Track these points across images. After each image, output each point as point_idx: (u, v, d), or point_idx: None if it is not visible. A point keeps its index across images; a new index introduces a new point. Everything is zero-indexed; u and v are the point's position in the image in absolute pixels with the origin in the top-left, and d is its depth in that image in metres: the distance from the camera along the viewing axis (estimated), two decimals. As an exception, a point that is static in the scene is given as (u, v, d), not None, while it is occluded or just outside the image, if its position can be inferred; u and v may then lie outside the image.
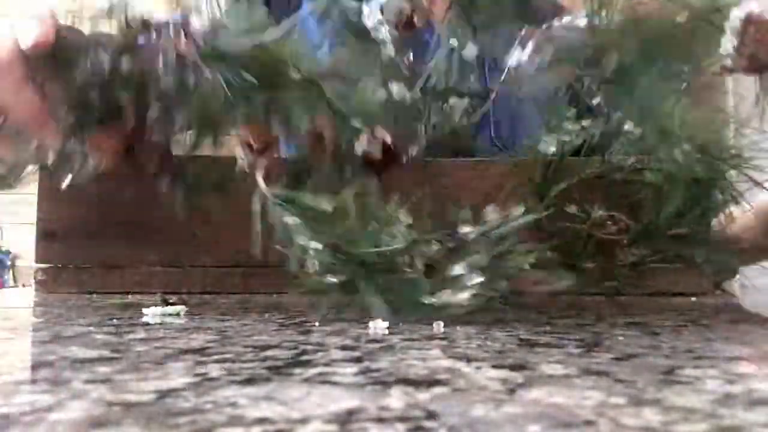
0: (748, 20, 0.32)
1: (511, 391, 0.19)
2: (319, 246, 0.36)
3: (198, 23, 0.37)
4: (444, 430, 0.16)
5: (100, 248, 0.59)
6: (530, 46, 0.40)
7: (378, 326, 0.33)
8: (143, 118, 0.41)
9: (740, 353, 0.27)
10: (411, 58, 0.42)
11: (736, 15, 0.33)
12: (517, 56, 0.41)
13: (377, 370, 0.22)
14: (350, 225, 0.37)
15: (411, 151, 0.41)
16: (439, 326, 0.33)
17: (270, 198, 0.39)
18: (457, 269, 0.35)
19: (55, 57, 0.40)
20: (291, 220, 0.37)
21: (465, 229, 0.36)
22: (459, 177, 0.60)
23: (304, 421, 0.16)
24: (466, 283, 0.34)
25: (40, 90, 0.40)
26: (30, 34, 0.39)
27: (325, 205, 0.37)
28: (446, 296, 0.34)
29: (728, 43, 0.33)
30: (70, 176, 0.45)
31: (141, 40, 0.39)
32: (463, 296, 0.34)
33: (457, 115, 0.47)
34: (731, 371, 0.23)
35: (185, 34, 0.38)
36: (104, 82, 0.39)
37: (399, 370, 0.22)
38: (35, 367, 0.24)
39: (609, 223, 0.43)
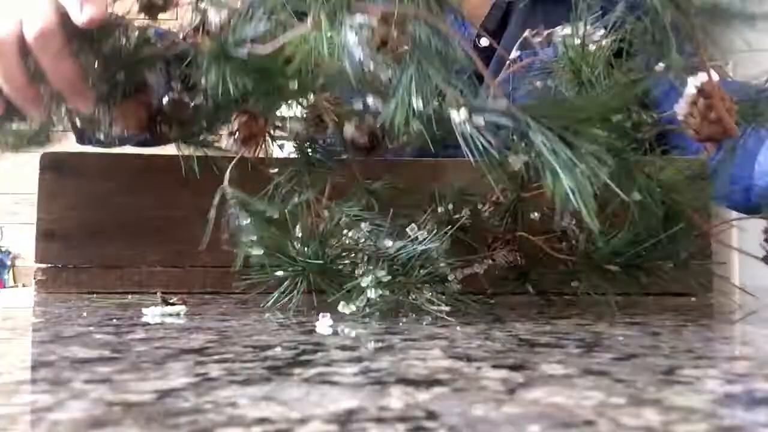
0: (700, 93, 0.34)
1: (511, 391, 0.19)
2: (261, 250, 0.41)
3: (217, 20, 0.40)
4: (444, 430, 0.16)
5: (100, 248, 0.59)
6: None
7: (324, 324, 0.34)
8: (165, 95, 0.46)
9: (740, 353, 0.27)
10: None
11: (692, 83, 0.35)
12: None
13: (377, 370, 0.22)
14: (292, 232, 0.42)
15: (395, 140, 0.43)
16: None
17: (228, 196, 0.42)
18: (364, 281, 0.39)
19: (97, 33, 0.44)
20: (243, 220, 0.41)
21: (387, 243, 0.41)
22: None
23: (304, 421, 0.16)
24: (367, 295, 0.39)
25: (78, 60, 0.45)
26: (86, 9, 0.44)
27: (272, 211, 0.41)
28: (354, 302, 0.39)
29: (679, 109, 0.36)
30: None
31: (160, 30, 0.45)
32: (361, 304, 0.39)
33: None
34: (731, 371, 0.23)
35: (202, 30, 0.41)
36: (131, 61, 0.44)
37: (399, 370, 0.22)
38: (35, 367, 0.24)
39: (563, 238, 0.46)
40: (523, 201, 0.48)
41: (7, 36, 0.46)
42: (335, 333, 0.32)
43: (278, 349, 0.27)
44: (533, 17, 0.53)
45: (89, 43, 0.44)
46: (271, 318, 0.38)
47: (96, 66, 0.45)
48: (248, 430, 0.15)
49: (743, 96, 0.40)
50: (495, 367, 0.23)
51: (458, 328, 0.34)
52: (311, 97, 0.44)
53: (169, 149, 0.88)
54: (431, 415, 0.17)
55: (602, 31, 0.41)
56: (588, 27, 0.40)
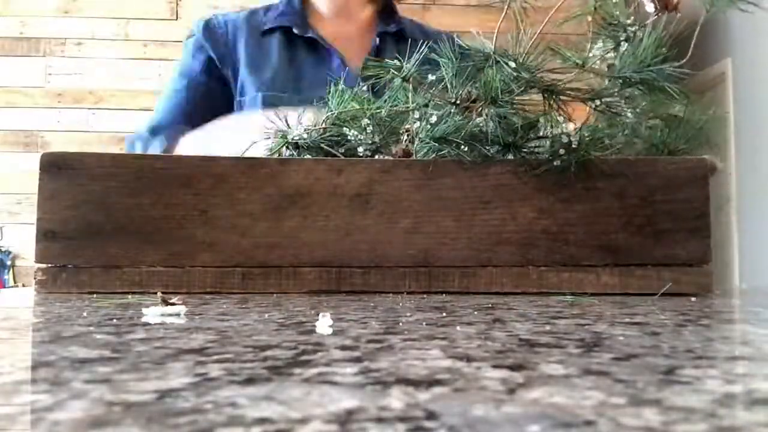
0: None
1: (511, 391, 0.19)
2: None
3: None
4: (444, 430, 0.16)
5: (100, 248, 0.59)
6: None
7: (324, 324, 0.34)
8: None
9: (740, 353, 0.27)
10: None
11: None
12: None
13: (377, 370, 0.22)
14: None
15: None
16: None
17: None
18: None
19: None
20: None
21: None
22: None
23: (304, 421, 0.16)
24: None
25: None
26: None
27: None
28: None
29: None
30: None
31: None
32: None
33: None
34: (731, 371, 0.23)
35: None
36: None
37: (399, 370, 0.22)
38: (35, 367, 0.24)
39: None
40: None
41: None
42: (335, 333, 0.32)
43: (278, 349, 0.27)
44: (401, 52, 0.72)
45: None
46: (271, 318, 0.38)
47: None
48: (248, 430, 0.15)
49: None
50: (495, 367, 0.23)
51: (458, 328, 0.34)
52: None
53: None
54: (431, 415, 0.17)
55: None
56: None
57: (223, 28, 1.12)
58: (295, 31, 1.11)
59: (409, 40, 0.68)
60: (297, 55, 1.11)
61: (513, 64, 0.57)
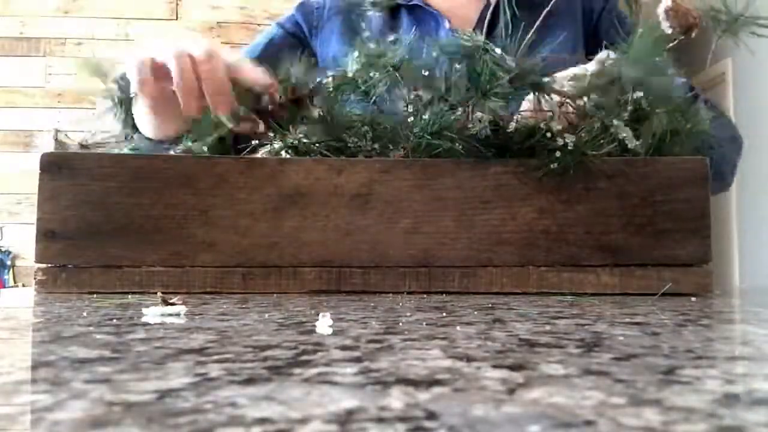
0: (667, 9, 0.62)
1: (511, 391, 0.19)
2: None
3: None
4: (444, 430, 0.16)
5: (100, 248, 0.59)
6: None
7: (324, 324, 0.34)
8: None
9: (740, 353, 0.27)
10: None
11: (662, 5, 0.62)
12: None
13: (377, 370, 0.22)
14: None
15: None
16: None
17: None
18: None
19: None
20: None
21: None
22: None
23: (304, 421, 0.16)
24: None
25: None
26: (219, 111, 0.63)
27: None
28: None
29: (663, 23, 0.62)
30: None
31: None
32: None
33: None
34: (731, 371, 0.23)
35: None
36: None
37: (399, 370, 0.22)
38: (35, 367, 0.24)
39: None
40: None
41: (183, 51, 0.60)
42: (335, 333, 0.32)
43: (278, 349, 0.27)
44: (517, 19, 0.69)
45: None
46: (271, 318, 0.38)
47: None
48: (248, 430, 0.15)
49: None
50: (495, 367, 0.23)
51: (458, 328, 0.34)
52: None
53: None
54: (431, 415, 0.17)
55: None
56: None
57: (320, 3, 1.11)
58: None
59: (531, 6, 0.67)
60: (398, 22, 1.06)
61: (498, 51, 0.56)
